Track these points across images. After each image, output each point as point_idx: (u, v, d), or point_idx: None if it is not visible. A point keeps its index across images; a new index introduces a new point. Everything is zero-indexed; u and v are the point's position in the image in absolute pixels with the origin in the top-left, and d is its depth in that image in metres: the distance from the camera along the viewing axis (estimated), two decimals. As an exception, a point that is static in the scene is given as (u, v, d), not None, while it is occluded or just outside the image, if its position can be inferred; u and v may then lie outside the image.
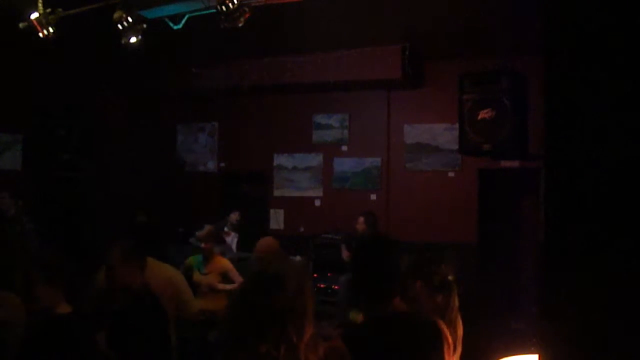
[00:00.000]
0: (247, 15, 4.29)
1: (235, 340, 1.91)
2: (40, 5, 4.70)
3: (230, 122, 9.09)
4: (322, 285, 7.49)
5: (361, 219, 7.11)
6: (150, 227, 6.00)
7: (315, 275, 7.49)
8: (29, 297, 2.80)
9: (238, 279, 5.70)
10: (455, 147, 7.02)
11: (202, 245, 5.81)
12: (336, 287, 7.22)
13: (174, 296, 3.92)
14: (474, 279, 6.73)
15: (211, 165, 9.29)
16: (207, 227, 5.90)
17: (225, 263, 5.91)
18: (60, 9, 4.77)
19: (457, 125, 6.85)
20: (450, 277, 2.67)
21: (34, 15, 4.69)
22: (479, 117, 6.48)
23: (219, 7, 4.23)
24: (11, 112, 7.02)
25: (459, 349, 2.60)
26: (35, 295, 2.75)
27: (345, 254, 7.17)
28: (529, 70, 6.44)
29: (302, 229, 7.73)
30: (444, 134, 7.71)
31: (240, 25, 4.30)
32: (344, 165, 8.36)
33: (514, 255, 7.03)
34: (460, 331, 2.65)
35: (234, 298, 2.04)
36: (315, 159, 8.55)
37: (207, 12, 4.62)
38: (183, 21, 4.93)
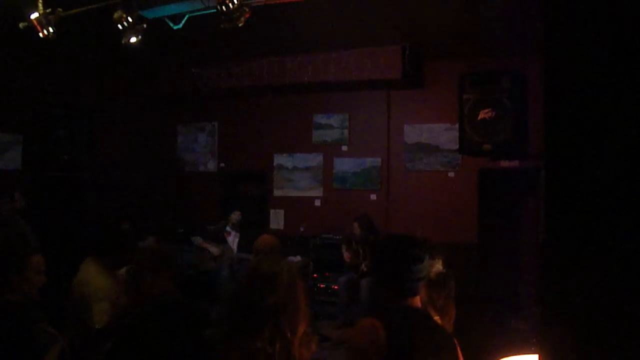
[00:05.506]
0: (247, 15, 4.29)
1: (230, 337, 1.93)
2: (40, 5, 4.70)
3: (230, 122, 9.09)
4: (322, 285, 7.50)
5: (355, 224, 7.14)
6: (132, 235, 5.77)
7: (315, 275, 7.50)
8: None
9: None
10: (455, 147, 7.01)
11: None
12: (336, 287, 7.24)
13: (78, 301, 3.48)
14: (474, 279, 6.73)
15: (211, 165, 9.28)
16: None
17: None
18: (60, 9, 4.77)
19: (457, 125, 6.84)
20: (444, 271, 2.68)
21: (34, 15, 4.69)
22: (479, 117, 6.47)
23: (219, 7, 4.23)
24: (11, 112, 7.01)
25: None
26: None
27: (346, 255, 7.19)
28: (529, 70, 6.44)
29: (302, 229, 7.72)
30: (444, 134, 7.71)
31: (240, 25, 4.30)
32: (344, 165, 8.36)
33: (514, 254, 7.04)
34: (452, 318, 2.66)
35: (228, 296, 2.06)
36: (315, 159, 8.55)
37: (207, 12, 4.63)
38: (183, 21, 4.94)
